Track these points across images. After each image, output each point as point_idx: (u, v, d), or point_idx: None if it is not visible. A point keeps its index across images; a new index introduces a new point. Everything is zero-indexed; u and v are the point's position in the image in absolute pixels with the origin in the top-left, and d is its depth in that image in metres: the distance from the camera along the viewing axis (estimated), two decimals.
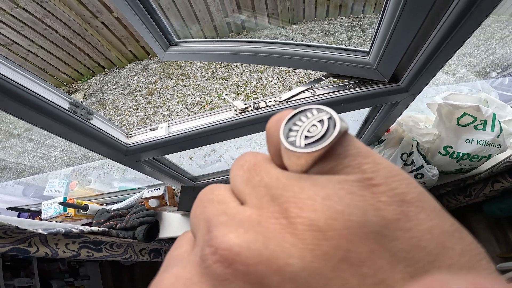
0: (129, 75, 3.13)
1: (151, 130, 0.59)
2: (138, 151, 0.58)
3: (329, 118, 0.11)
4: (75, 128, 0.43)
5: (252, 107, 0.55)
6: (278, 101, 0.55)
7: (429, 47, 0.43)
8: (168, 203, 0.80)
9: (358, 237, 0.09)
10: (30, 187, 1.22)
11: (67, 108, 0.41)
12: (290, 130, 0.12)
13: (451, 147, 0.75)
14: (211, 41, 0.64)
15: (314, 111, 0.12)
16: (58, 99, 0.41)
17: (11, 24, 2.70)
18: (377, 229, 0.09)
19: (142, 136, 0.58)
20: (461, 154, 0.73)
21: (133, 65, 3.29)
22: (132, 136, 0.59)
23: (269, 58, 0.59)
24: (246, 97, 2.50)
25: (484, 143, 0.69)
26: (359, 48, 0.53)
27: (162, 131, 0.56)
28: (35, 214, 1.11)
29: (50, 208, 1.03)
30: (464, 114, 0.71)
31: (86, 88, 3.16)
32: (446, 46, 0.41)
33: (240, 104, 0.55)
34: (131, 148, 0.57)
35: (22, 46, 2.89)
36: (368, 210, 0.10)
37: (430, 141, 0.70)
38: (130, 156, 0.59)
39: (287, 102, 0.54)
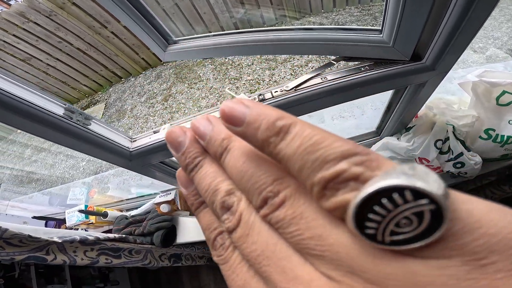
0: (144, 83, 3.23)
1: (154, 132, 0.57)
2: (142, 155, 0.56)
3: (432, 211, 0.08)
4: (72, 135, 0.41)
5: (257, 99, 0.51)
6: (285, 90, 0.49)
7: (454, 14, 0.36)
8: (180, 208, 0.77)
9: None
10: (56, 197, 1.28)
11: (61, 114, 0.40)
12: (370, 211, 0.08)
13: (494, 130, 0.65)
14: (210, 35, 0.60)
15: (408, 195, 0.08)
16: (52, 106, 0.39)
17: (26, 39, 2.83)
18: None
19: (146, 139, 0.56)
20: (505, 138, 0.64)
21: (147, 72, 3.39)
22: (136, 140, 0.57)
23: (274, 47, 0.54)
24: None
25: None
26: (369, 27, 0.49)
27: (164, 133, 0.54)
28: (61, 222, 1.16)
29: (73, 216, 1.07)
30: (504, 92, 0.62)
31: (106, 99, 3.31)
32: (474, 11, 0.34)
33: (243, 97, 0.51)
34: (135, 152, 0.55)
35: (41, 60, 3.03)
36: None
37: (469, 124, 0.61)
38: (135, 161, 0.57)
39: (295, 90, 0.49)
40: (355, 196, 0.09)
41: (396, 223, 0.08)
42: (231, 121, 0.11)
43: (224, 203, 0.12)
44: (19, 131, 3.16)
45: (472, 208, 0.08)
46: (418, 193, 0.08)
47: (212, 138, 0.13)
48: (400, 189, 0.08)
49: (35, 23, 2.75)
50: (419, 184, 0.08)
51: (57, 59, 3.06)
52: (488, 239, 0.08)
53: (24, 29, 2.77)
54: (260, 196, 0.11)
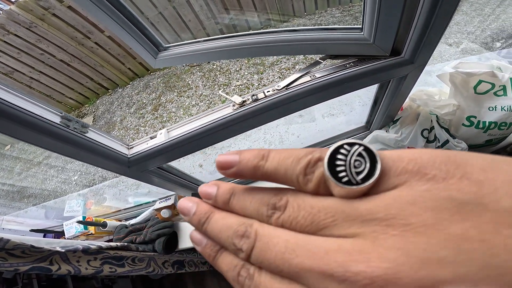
0: (133, 93, 3.20)
1: (151, 138, 0.58)
2: (140, 160, 0.56)
3: (365, 151, 0.12)
4: (69, 142, 0.42)
5: (251, 100, 0.53)
6: (277, 89, 0.52)
7: (423, 11, 0.40)
8: None
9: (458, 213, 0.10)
10: (52, 210, 1.26)
11: (58, 122, 0.41)
12: (336, 166, 0.13)
13: (475, 117, 0.69)
14: (199, 41, 0.62)
15: (347, 146, 0.13)
16: (49, 114, 0.40)
17: (7, 51, 2.73)
18: (472, 203, 0.10)
19: (143, 145, 0.57)
20: (487, 123, 0.67)
21: (135, 82, 3.35)
22: (133, 147, 0.58)
23: (262, 48, 0.57)
24: None
25: (509, 109, 0.64)
26: (351, 26, 0.52)
27: (161, 137, 0.55)
28: (59, 234, 1.14)
29: (72, 228, 1.05)
30: (480, 81, 0.66)
31: (94, 111, 3.25)
32: (441, 8, 0.37)
33: (237, 98, 0.53)
34: (133, 158, 0.56)
35: (24, 74, 2.91)
36: (452, 193, 0.10)
37: (450, 112, 0.65)
38: (134, 167, 0.58)
39: (286, 89, 0.51)
40: (323, 162, 0.13)
41: (354, 165, 0.12)
42: (227, 166, 0.15)
43: (238, 232, 0.14)
44: (7, 147, 3.08)
45: (393, 153, 0.12)
46: (352, 144, 0.13)
47: (218, 195, 0.16)
48: (343, 145, 0.13)
49: (15, 35, 2.65)
50: (349, 140, 0.13)
51: (40, 72, 2.95)
52: (415, 162, 0.11)
53: (4, 41, 2.67)
54: (269, 206, 0.14)
